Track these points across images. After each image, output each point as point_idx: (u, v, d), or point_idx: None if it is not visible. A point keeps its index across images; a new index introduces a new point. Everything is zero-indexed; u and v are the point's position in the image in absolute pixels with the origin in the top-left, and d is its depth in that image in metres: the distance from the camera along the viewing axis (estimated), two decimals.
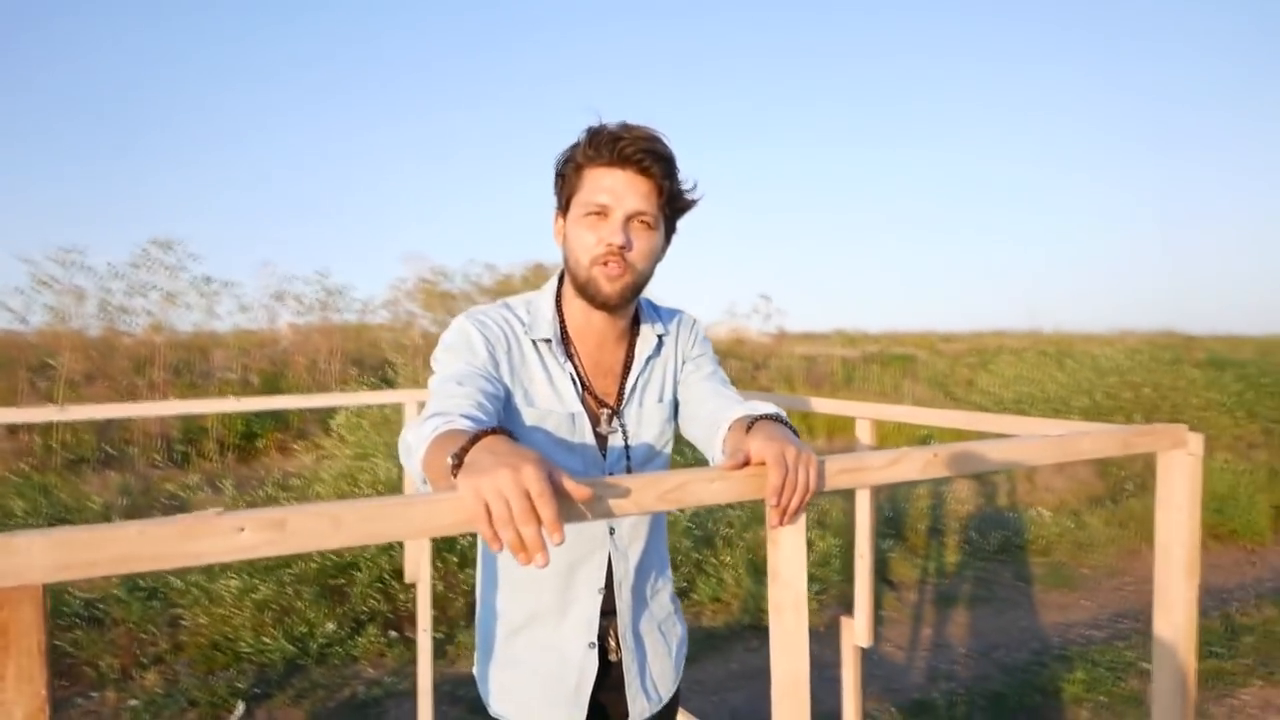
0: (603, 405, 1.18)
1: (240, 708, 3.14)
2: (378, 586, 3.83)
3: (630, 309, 1.20)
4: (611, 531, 1.20)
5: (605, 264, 1.10)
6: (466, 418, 0.93)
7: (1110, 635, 3.92)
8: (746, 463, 0.87)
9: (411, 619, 3.89)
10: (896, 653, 3.75)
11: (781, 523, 0.88)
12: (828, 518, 5.18)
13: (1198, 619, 1.32)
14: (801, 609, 0.91)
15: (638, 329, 1.23)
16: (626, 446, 1.18)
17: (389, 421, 5.02)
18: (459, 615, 3.93)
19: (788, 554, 0.90)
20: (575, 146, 1.13)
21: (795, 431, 0.96)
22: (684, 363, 1.26)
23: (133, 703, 3.15)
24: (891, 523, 5.46)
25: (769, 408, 1.06)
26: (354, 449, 4.44)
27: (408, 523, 0.69)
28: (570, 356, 1.18)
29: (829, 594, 4.36)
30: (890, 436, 7.48)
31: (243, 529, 0.64)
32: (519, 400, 1.13)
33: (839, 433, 8.87)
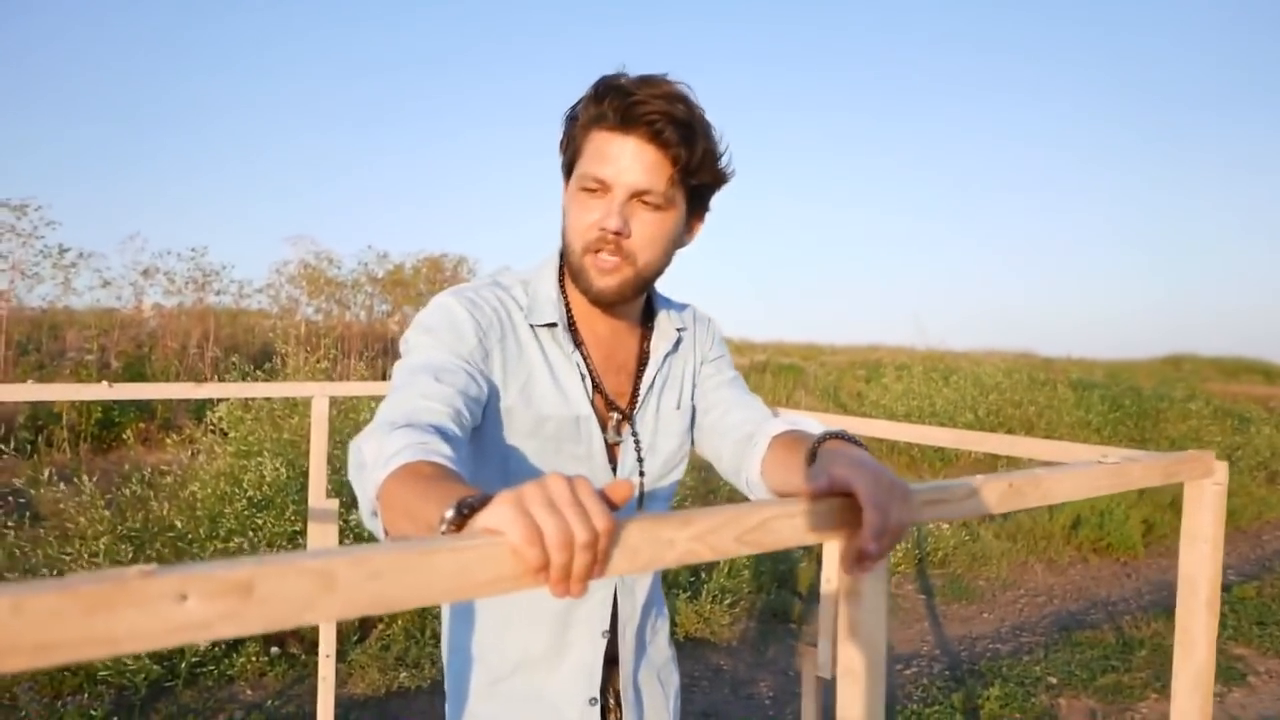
0: (613, 407, 0.99)
1: None
2: None
3: (638, 301, 1.01)
4: None
5: (597, 252, 0.91)
6: (440, 432, 0.74)
7: (1015, 649, 3.98)
8: (829, 492, 0.69)
9: (296, 634, 3.53)
10: None
11: (867, 568, 0.71)
12: None
13: (1215, 658, 1.23)
14: (880, 672, 0.75)
15: (652, 320, 1.04)
16: (640, 459, 0.99)
17: (274, 416, 4.60)
18: (349, 630, 3.60)
19: (871, 608, 0.73)
20: (580, 102, 0.94)
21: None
22: (702, 364, 1.08)
23: None
24: None
25: (816, 423, 0.90)
26: (236, 445, 4.02)
27: (432, 579, 0.48)
28: (578, 345, 0.98)
29: (740, 607, 4.26)
30: None
31: (185, 597, 0.41)
32: (511, 400, 0.92)
33: None
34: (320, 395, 2.06)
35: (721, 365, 1.09)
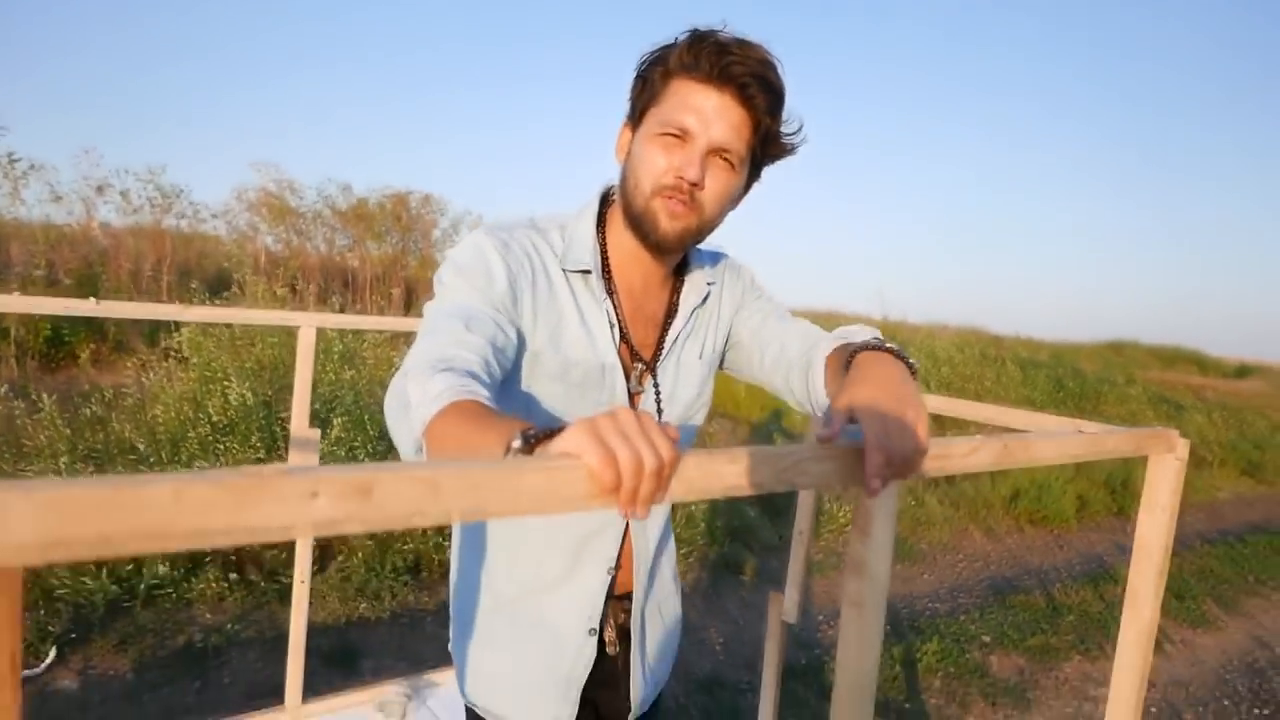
0: (637, 358, 1.02)
1: (52, 653, 2.75)
2: None
3: (682, 252, 1.04)
4: None
5: (669, 197, 0.92)
6: (476, 379, 0.75)
7: (952, 608, 4.18)
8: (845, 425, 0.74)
9: (256, 560, 3.55)
10: (763, 620, 3.82)
11: (873, 493, 0.76)
12: None
13: (1159, 618, 1.34)
14: (881, 605, 0.82)
15: (684, 272, 1.08)
16: (660, 409, 1.03)
17: (236, 344, 4.55)
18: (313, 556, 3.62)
19: (879, 544, 0.79)
20: (670, 48, 0.93)
21: (910, 364, 0.81)
22: (738, 311, 1.12)
23: None
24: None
25: (865, 331, 0.94)
26: (199, 370, 3.98)
27: (521, 493, 0.52)
28: (610, 294, 1.00)
29: (694, 556, 4.39)
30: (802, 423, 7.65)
31: (316, 494, 0.45)
32: (539, 344, 0.95)
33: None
34: (308, 325, 2.06)
35: (762, 304, 1.11)
